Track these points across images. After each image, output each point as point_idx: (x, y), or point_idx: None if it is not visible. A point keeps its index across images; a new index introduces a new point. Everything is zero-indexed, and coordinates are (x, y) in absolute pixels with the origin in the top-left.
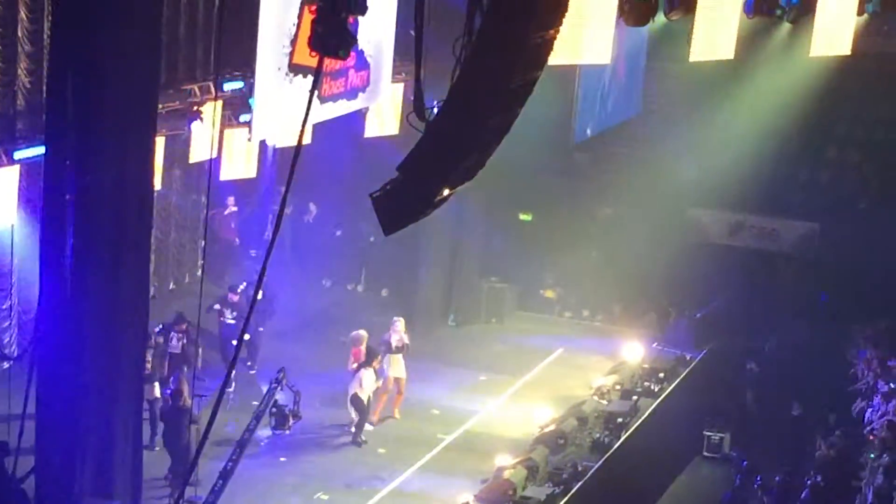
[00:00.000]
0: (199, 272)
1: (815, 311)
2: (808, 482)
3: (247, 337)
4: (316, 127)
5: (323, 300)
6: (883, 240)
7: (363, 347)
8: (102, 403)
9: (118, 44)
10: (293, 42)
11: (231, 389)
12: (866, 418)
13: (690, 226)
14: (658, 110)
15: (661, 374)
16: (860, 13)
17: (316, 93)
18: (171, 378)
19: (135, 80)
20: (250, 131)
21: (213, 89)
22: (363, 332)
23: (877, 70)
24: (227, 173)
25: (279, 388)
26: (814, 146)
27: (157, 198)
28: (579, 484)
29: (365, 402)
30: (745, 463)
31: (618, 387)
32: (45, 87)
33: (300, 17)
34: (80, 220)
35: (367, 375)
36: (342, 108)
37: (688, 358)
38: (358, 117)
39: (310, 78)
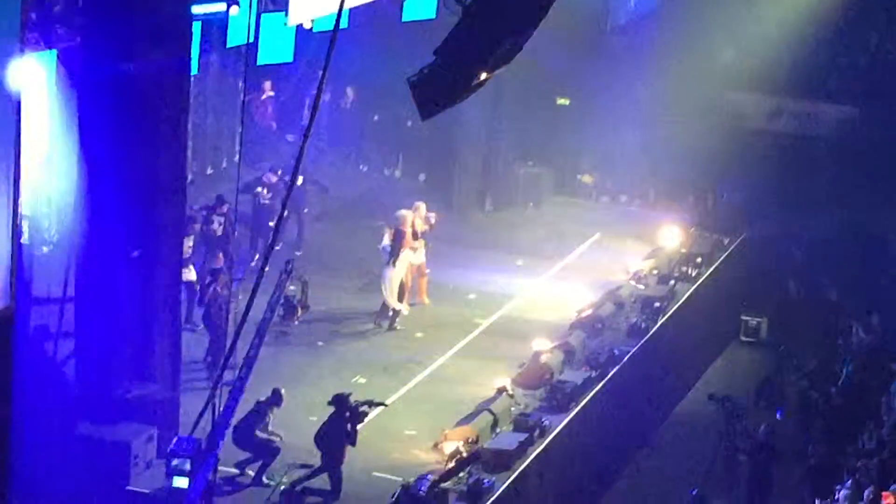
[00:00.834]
0: (237, 157)
1: (854, 197)
2: (844, 368)
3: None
4: (353, 11)
5: (360, 185)
6: None
7: (406, 229)
8: (141, 286)
9: None
10: None
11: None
12: None
13: (728, 110)
14: None
15: (699, 259)
16: None
17: None
18: (211, 260)
19: None
20: (287, 15)
21: None
22: (407, 213)
23: None
24: (264, 58)
25: (288, 278)
26: (854, 31)
27: (193, 83)
28: (616, 368)
29: (397, 286)
30: (782, 347)
31: (655, 271)
32: None
33: None
34: (117, 106)
35: (402, 259)
36: None
37: (725, 242)
38: (395, 1)
39: None
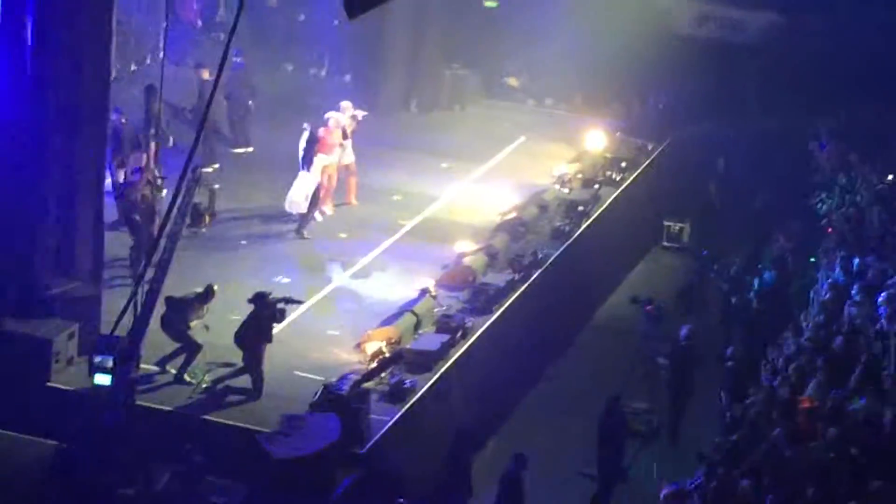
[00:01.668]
0: (161, 54)
1: (779, 105)
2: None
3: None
4: None
5: (286, 85)
6: (847, 32)
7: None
8: (63, 185)
9: None
10: None
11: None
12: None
13: (656, 15)
14: None
15: (623, 164)
16: None
17: None
18: (135, 158)
19: None
20: None
21: None
22: (335, 114)
23: None
24: None
25: (196, 186)
26: None
27: None
28: (539, 271)
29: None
30: (705, 252)
31: (579, 175)
32: None
33: None
34: (40, 4)
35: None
36: None
37: (650, 148)
38: None
39: None
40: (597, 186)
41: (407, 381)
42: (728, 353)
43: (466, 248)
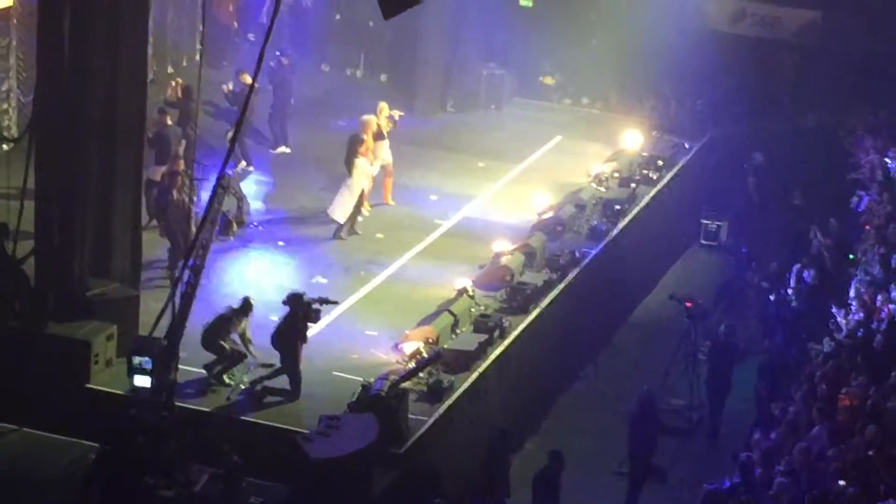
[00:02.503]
0: (198, 56)
1: (816, 101)
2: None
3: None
4: None
5: (322, 86)
6: (884, 28)
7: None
8: (101, 185)
9: None
10: None
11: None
12: (862, 207)
13: (692, 11)
14: None
15: (660, 162)
16: None
17: None
18: (171, 160)
19: None
20: None
21: None
22: (370, 118)
23: None
24: None
25: (224, 193)
26: None
27: None
28: (576, 270)
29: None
30: (743, 250)
31: (616, 174)
32: None
33: None
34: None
35: (359, 165)
36: None
37: (687, 146)
38: None
39: None
40: (634, 185)
41: (445, 381)
42: (766, 350)
43: (503, 248)
